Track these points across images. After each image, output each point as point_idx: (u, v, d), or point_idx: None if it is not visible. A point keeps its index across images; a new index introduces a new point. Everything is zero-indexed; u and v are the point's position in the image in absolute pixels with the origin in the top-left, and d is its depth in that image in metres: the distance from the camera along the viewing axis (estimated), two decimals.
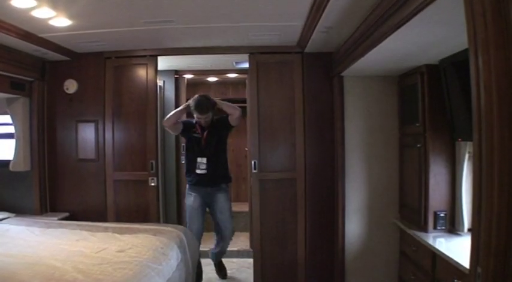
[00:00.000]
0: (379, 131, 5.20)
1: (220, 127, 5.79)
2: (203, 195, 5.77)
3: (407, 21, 2.89)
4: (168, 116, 5.68)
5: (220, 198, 5.83)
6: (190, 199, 5.80)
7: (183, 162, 6.60)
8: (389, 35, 3.28)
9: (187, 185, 5.91)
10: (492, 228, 1.66)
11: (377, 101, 5.22)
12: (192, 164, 5.77)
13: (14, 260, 3.58)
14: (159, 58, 5.86)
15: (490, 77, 1.66)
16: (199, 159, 5.69)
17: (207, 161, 5.68)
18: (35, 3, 3.74)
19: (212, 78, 8.83)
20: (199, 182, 5.74)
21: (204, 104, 5.48)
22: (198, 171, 5.68)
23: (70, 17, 4.22)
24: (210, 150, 5.70)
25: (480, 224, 1.74)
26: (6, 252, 3.85)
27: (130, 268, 3.53)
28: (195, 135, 5.72)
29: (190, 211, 5.82)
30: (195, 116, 5.57)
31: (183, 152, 6.55)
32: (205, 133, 5.68)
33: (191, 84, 8.37)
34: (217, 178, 5.81)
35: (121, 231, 4.62)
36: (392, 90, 5.14)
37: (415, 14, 2.73)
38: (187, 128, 5.78)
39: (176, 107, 7.17)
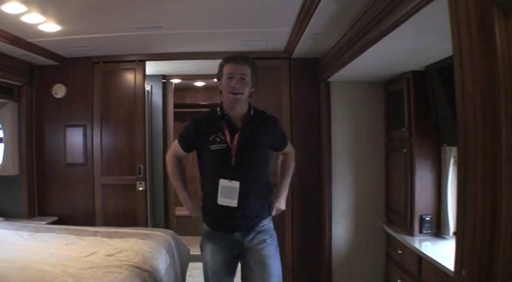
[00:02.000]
0: (365, 136, 5.25)
1: (263, 127, 3.40)
2: (231, 246, 3.39)
3: (393, 28, 2.92)
4: (170, 173, 3.67)
5: (263, 248, 3.39)
6: (207, 255, 3.45)
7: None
8: (375, 42, 3.32)
9: (203, 228, 3.53)
10: (476, 232, 1.70)
11: (363, 106, 5.26)
12: (210, 192, 3.36)
13: (3, 264, 3.59)
14: (147, 63, 5.87)
15: (474, 85, 1.70)
16: (224, 183, 3.25)
17: (240, 185, 3.25)
18: (25, 9, 3.77)
19: (199, 83, 8.85)
20: (223, 224, 3.36)
21: (242, 54, 3.36)
22: (221, 202, 3.25)
23: (59, 22, 4.24)
24: (246, 166, 3.28)
25: (464, 227, 1.78)
26: None
27: (119, 272, 3.56)
28: (217, 143, 3.26)
29: (209, 274, 3.51)
30: (224, 74, 3.24)
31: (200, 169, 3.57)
32: (236, 137, 3.25)
33: (178, 89, 8.38)
34: (257, 213, 3.39)
35: (110, 236, 4.63)
36: (378, 96, 5.19)
37: (401, 22, 2.77)
38: (201, 133, 3.34)
39: (164, 112, 7.19)
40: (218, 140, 3.26)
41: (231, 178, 3.24)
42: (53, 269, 3.55)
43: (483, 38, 1.69)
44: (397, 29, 2.92)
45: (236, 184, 3.24)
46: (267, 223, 3.48)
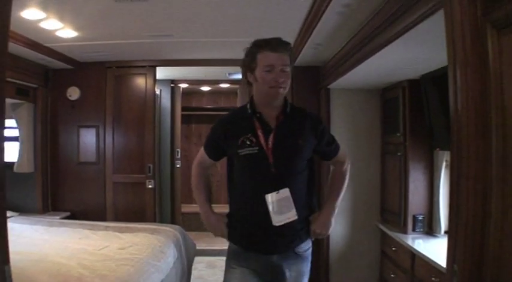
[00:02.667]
0: (362, 140, 5.28)
1: (303, 127, 2.66)
2: (262, 270, 2.68)
3: (391, 41, 2.98)
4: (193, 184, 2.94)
5: (298, 273, 2.73)
6: (233, 276, 2.73)
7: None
8: (374, 53, 3.37)
9: (228, 248, 2.83)
10: (468, 230, 1.74)
11: (361, 112, 5.30)
12: (241, 203, 2.73)
13: (20, 257, 3.60)
14: (157, 68, 5.92)
15: (467, 95, 1.75)
16: (273, 197, 2.55)
17: (293, 196, 2.57)
18: (44, 15, 3.81)
19: (205, 88, 8.90)
20: (258, 242, 2.65)
21: (280, 39, 2.59)
22: (280, 221, 2.55)
23: (76, 28, 4.29)
24: (287, 173, 2.61)
25: (457, 226, 1.82)
26: (12, 250, 3.84)
27: (131, 265, 3.61)
28: (247, 147, 2.59)
29: None
30: (261, 66, 2.51)
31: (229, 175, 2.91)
32: (270, 139, 2.59)
33: (185, 93, 8.44)
34: (296, 233, 2.67)
35: (121, 230, 4.68)
36: (375, 102, 5.24)
37: (399, 36, 2.83)
38: (229, 135, 2.66)
39: (172, 114, 7.24)
40: (248, 142, 2.55)
41: (275, 188, 2.52)
42: (68, 261, 3.60)
43: (477, 52, 1.73)
44: (395, 42, 2.97)
45: (286, 192, 2.53)
46: (308, 248, 2.74)
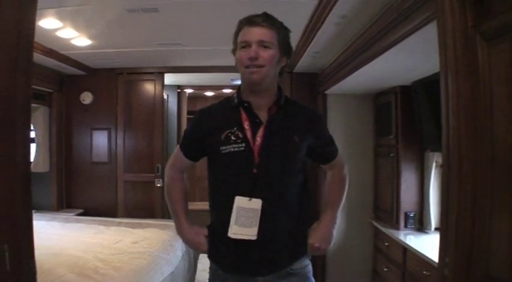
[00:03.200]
0: (357, 142, 5.29)
1: (300, 123, 2.15)
2: None
3: (386, 50, 3.00)
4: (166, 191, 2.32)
5: None
6: None
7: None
8: (369, 61, 3.40)
9: (210, 266, 2.23)
10: (459, 225, 1.76)
11: (356, 116, 5.32)
12: (219, 216, 2.16)
13: (39, 252, 3.59)
14: (165, 74, 5.96)
15: (458, 102, 1.77)
16: (241, 202, 2.00)
17: (265, 206, 2.00)
18: (60, 25, 3.84)
19: (209, 93, 8.94)
20: (239, 264, 2.09)
21: (264, 13, 2.07)
22: (235, 233, 2.00)
23: (90, 37, 4.32)
24: (274, 176, 2.06)
25: (447, 221, 1.84)
26: None
27: (144, 258, 3.65)
28: (231, 143, 2.04)
29: None
30: (238, 43, 2.01)
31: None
32: (260, 134, 2.05)
33: (190, 97, 8.47)
34: (289, 250, 2.12)
35: (133, 226, 4.71)
36: (369, 107, 5.25)
37: (393, 45, 2.85)
38: (209, 128, 2.11)
39: (178, 118, 7.27)
40: (233, 138, 2.00)
41: (250, 194, 1.97)
42: (84, 254, 3.62)
43: (467, 60, 1.75)
44: (389, 51, 2.99)
45: (257, 204, 1.96)
46: (305, 265, 2.16)
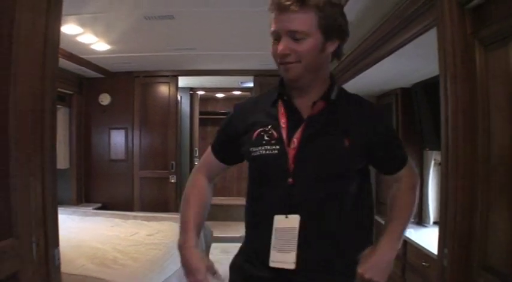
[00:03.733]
0: None
1: (354, 122, 1.54)
2: None
3: (388, 55, 3.01)
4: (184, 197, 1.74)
5: None
6: None
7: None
8: (372, 65, 3.41)
9: None
10: (457, 219, 1.78)
11: None
12: (256, 236, 1.62)
13: (61, 243, 3.67)
14: (179, 77, 6.01)
15: (457, 104, 1.79)
16: (279, 222, 1.49)
17: (303, 224, 1.46)
18: (81, 31, 3.87)
19: (220, 95, 8.97)
20: None
21: None
22: (274, 262, 1.48)
23: (109, 42, 4.35)
24: (314, 188, 1.49)
25: (446, 215, 1.86)
26: None
27: (159, 249, 3.68)
28: (264, 145, 1.53)
29: None
30: (270, 33, 1.49)
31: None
32: (297, 135, 1.50)
33: (202, 99, 8.50)
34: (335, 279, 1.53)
35: (148, 219, 4.74)
36: None
37: (395, 50, 2.87)
38: (245, 125, 1.61)
39: (191, 118, 7.29)
40: (267, 138, 1.53)
41: (286, 210, 1.48)
42: (103, 246, 3.65)
43: (466, 65, 1.77)
44: (391, 56, 3.00)
45: (294, 221, 1.47)
46: None
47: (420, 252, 3.40)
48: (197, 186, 1.73)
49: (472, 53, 1.76)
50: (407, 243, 3.76)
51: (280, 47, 1.44)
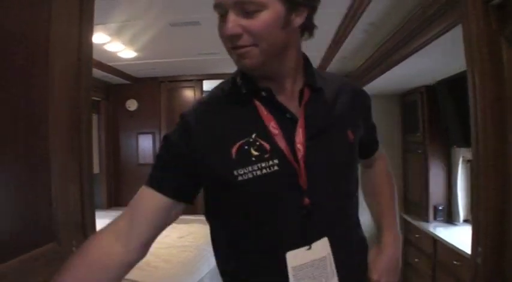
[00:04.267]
0: (385, 140, 5.27)
1: (347, 108, 1.23)
2: None
3: (412, 54, 3.03)
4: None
5: None
6: None
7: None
8: (396, 64, 3.42)
9: None
10: (489, 218, 1.77)
11: (384, 115, 5.29)
12: (243, 274, 1.15)
13: None
14: (204, 81, 6.04)
15: (485, 101, 1.78)
16: (297, 258, 1.07)
17: (336, 253, 1.11)
18: (108, 39, 3.93)
19: None
20: None
21: None
22: None
23: (135, 50, 4.40)
24: (334, 203, 1.15)
25: (478, 215, 1.86)
26: None
27: (190, 250, 3.73)
28: (257, 162, 1.06)
29: None
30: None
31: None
32: (298, 138, 1.09)
33: None
34: None
35: (177, 222, 4.75)
36: (396, 106, 5.25)
37: (418, 49, 2.87)
38: (209, 142, 1.10)
39: None
40: (255, 152, 1.08)
41: (305, 240, 1.10)
42: None
43: (493, 61, 1.76)
44: (415, 54, 3.01)
45: (322, 248, 1.12)
46: None
47: (451, 251, 3.38)
48: (91, 246, 1.11)
49: (499, 50, 1.75)
50: (437, 242, 3.74)
51: (228, 27, 1.03)
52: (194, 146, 1.10)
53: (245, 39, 1.03)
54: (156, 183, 1.15)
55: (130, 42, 4.14)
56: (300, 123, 1.12)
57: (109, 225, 1.16)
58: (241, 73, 1.16)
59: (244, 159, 1.07)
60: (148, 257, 3.39)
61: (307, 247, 1.09)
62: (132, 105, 6.05)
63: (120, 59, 4.71)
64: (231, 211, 1.15)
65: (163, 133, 5.89)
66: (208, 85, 6.37)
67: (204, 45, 4.29)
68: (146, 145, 6.06)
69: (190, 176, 1.13)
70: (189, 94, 6.02)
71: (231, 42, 1.05)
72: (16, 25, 1.24)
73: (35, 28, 1.35)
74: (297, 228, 1.09)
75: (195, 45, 4.36)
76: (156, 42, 4.15)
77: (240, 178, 1.06)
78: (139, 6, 3.13)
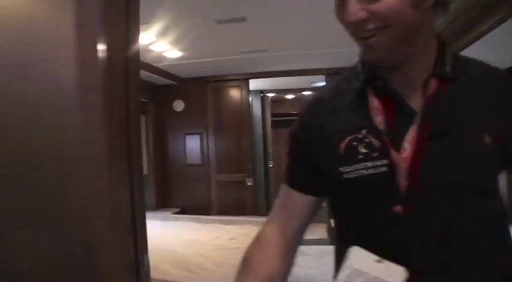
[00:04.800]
0: None
1: (492, 108, 0.91)
2: None
3: (472, 43, 2.90)
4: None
5: None
6: None
7: None
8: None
9: None
10: None
11: None
12: None
13: None
14: (250, 80, 6.00)
15: None
16: (358, 259, 0.85)
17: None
18: (154, 39, 3.92)
19: (290, 96, 8.89)
20: None
21: None
22: None
23: (181, 49, 4.39)
24: (442, 223, 0.88)
25: None
26: None
27: (242, 253, 3.66)
28: (363, 161, 0.93)
29: None
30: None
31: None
32: (408, 138, 0.91)
33: (272, 101, 8.46)
34: None
35: (227, 223, 4.77)
36: None
37: (479, 37, 2.74)
38: (319, 135, 1.01)
39: (263, 121, 7.25)
40: (364, 150, 0.94)
41: (383, 251, 0.88)
42: (186, 250, 3.69)
43: None
44: (474, 44, 2.88)
45: (396, 274, 0.83)
46: None
47: None
48: (263, 247, 1.12)
49: None
50: None
51: (351, 12, 0.86)
52: (308, 138, 1.04)
53: (373, 23, 0.86)
54: (292, 181, 1.11)
55: (176, 42, 4.13)
56: (418, 119, 0.92)
57: (269, 224, 1.14)
58: (362, 62, 1.03)
59: (352, 157, 0.95)
60: (199, 259, 3.37)
61: (377, 259, 0.88)
62: (179, 105, 6.08)
63: (165, 59, 4.71)
64: (340, 207, 1.08)
65: (210, 133, 5.90)
66: (253, 84, 6.34)
67: (251, 42, 4.23)
68: (194, 145, 6.08)
69: (312, 167, 1.05)
70: (235, 93, 6.00)
71: (356, 29, 0.89)
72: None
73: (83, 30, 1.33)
74: (378, 234, 0.94)
75: (242, 43, 4.31)
76: (201, 41, 4.13)
77: (345, 176, 0.96)
78: (184, 3, 3.09)
